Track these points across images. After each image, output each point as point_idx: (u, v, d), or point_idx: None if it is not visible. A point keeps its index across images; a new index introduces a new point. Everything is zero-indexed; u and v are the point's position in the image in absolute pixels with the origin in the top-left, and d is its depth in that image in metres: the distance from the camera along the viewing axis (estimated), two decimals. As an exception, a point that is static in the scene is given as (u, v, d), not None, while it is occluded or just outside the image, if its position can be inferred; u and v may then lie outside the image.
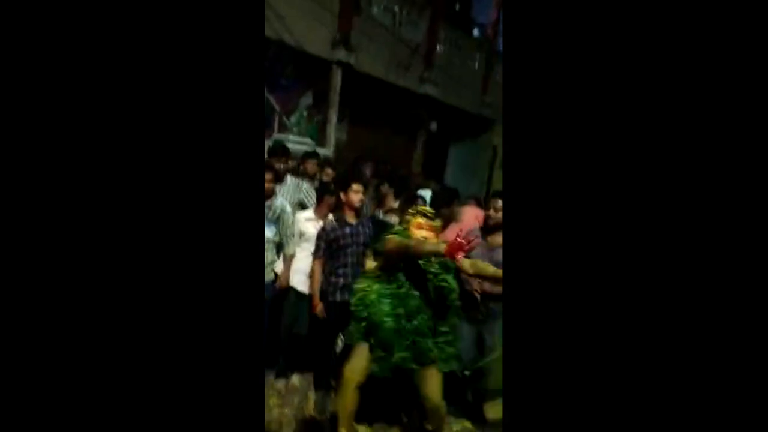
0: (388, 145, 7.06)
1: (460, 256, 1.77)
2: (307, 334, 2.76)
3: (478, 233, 2.56)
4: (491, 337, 2.48)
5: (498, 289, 2.37)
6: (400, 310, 2.05)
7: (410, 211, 2.30)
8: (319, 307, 2.59)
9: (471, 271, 1.95)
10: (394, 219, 2.82)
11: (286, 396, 2.72)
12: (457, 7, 8.79)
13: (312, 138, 5.59)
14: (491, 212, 2.55)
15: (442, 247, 1.83)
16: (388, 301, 2.07)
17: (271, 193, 2.64)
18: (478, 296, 2.49)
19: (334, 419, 2.20)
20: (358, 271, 2.62)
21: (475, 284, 2.47)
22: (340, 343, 2.81)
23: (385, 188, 3.32)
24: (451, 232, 2.41)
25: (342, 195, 2.61)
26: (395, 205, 3.19)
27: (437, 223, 2.29)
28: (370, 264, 2.70)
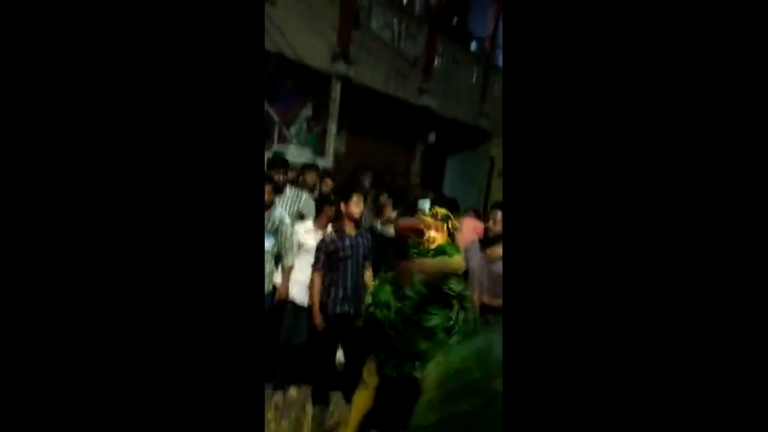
0: (387, 156, 7.10)
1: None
2: (306, 347, 2.74)
3: (477, 246, 2.56)
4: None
5: (498, 302, 2.36)
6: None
7: (426, 213, 2.31)
8: (319, 319, 2.57)
9: (425, 268, 1.97)
10: (392, 230, 2.82)
11: (283, 409, 2.68)
12: (455, 21, 8.91)
13: (311, 149, 5.62)
14: (490, 224, 2.54)
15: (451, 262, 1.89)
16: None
17: (270, 205, 2.64)
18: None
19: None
20: (358, 282, 2.61)
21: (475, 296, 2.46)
22: (340, 356, 2.79)
23: (383, 198, 3.33)
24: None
25: (343, 206, 2.61)
26: (393, 215, 3.20)
27: (456, 223, 2.26)
28: (369, 276, 2.69)
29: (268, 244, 2.63)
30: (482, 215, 3.79)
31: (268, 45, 4.73)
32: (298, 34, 5.17)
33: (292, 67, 5.34)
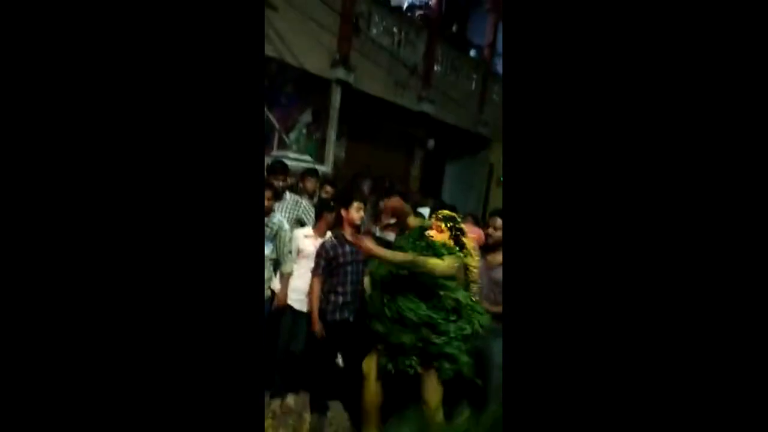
0: (386, 162, 7.10)
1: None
2: (304, 354, 2.72)
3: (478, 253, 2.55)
4: (497, 355, 2.45)
5: (498, 308, 2.35)
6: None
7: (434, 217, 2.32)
8: (319, 326, 2.56)
9: (372, 253, 1.99)
10: (391, 236, 2.81)
11: (281, 416, 2.66)
12: (455, 28, 8.97)
13: (311, 155, 5.62)
14: (491, 230, 2.54)
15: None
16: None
17: (269, 210, 2.63)
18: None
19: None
20: (358, 289, 2.60)
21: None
22: (340, 362, 2.77)
23: (383, 204, 3.32)
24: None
25: (343, 212, 2.61)
26: (392, 221, 3.19)
27: (460, 226, 2.28)
28: (368, 282, 2.68)
29: (267, 250, 2.62)
30: (480, 222, 3.79)
31: (269, 51, 4.75)
32: (299, 40, 5.19)
33: (292, 72, 5.36)
